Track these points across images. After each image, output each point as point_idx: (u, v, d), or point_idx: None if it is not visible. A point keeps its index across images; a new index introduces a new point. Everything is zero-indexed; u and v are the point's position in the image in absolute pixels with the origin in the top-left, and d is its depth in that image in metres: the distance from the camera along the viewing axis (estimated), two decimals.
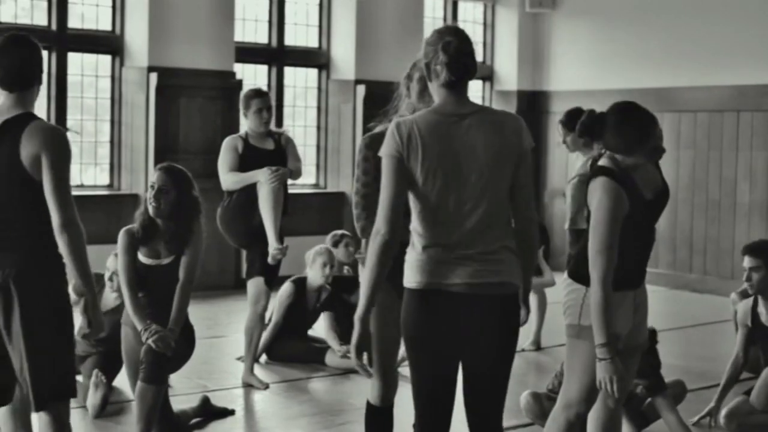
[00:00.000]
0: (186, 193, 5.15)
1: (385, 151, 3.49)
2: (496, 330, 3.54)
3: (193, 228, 5.14)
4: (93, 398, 5.70)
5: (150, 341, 4.96)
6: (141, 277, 5.17)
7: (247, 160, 6.46)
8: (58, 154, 3.84)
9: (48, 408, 3.91)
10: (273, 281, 6.56)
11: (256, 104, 6.49)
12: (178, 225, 5.11)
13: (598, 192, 3.93)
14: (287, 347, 7.20)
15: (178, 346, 5.08)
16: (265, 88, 6.84)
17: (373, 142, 4.12)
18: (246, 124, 6.63)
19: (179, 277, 5.12)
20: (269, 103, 6.59)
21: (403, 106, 4.18)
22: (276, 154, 6.55)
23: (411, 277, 3.54)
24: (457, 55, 3.49)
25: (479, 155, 3.48)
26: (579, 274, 4.02)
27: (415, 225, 3.53)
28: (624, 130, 3.97)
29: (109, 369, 5.99)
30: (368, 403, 4.20)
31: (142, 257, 5.18)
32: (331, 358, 7.07)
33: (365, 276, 3.53)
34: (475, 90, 12.42)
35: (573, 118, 6.91)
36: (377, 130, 4.24)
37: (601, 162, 4.03)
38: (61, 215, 3.81)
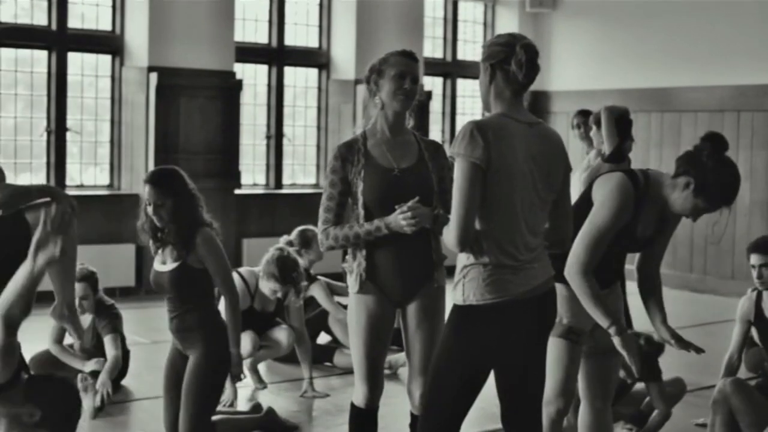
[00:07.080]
0: (181, 195, 4.82)
1: (466, 154, 3.37)
2: (550, 323, 3.61)
3: (198, 220, 4.81)
4: (85, 402, 5.67)
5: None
6: (156, 284, 4.85)
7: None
8: None
9: None
10: None
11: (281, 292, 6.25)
12: (181, 225, 4.75)
13: (609, 186, 3.81)
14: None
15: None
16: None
17: (342, 152, 4.06)
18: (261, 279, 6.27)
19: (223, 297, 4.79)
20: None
21: (372, 108, 4.12)
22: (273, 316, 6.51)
23: (479, 293, 3.45)
24: (535, 57, 3.47)
25: (542, 165, 3.49)
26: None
27: (480, 234, 3.43)
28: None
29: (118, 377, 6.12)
30: (353, 405, 4.18)
31: (156, 265, 4.88)
32: (339, 358, 7.06)
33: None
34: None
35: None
36: (349, 138, 4.18)
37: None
38: None
